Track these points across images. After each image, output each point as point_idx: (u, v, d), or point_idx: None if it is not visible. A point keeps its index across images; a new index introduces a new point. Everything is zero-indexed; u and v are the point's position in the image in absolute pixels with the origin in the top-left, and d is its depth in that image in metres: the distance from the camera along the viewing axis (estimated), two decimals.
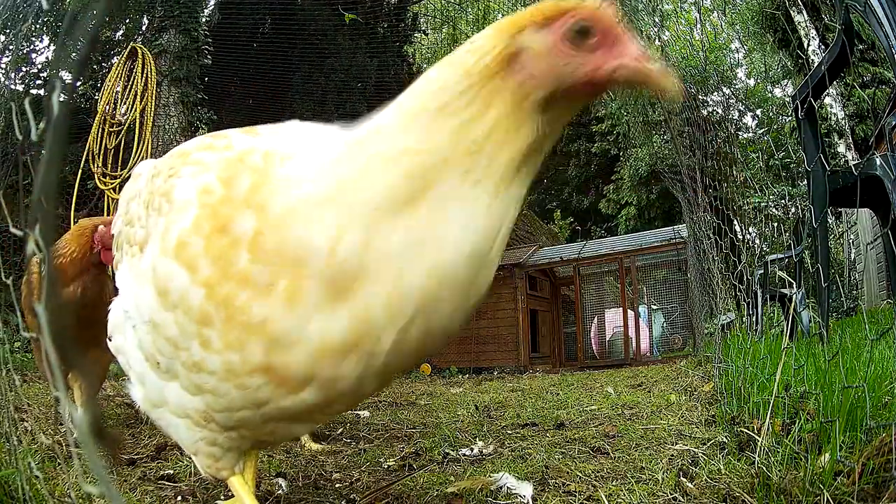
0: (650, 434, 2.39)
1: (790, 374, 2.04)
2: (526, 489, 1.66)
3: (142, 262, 1.11)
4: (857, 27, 3.92)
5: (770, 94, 15.85)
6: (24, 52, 8.47)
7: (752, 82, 16.60)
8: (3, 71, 7.37)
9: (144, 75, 7.12)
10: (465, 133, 0.91)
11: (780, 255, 4.75)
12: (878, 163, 2.67)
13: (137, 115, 6.92)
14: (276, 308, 0.94)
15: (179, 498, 1.69)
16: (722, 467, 1.67)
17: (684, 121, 5.47)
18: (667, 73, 0.93)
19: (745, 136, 14.91)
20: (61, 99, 0.59)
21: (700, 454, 1.89)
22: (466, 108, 0.91)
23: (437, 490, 1.75)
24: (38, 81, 8.94)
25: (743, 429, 1.93)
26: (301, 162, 0.99)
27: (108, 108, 7.07)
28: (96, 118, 6.96)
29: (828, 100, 10.69)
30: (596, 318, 10.72)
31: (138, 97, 6.99)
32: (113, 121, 7.06)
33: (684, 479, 1.63)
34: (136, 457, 2.16)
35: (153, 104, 7.11)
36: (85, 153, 6.81)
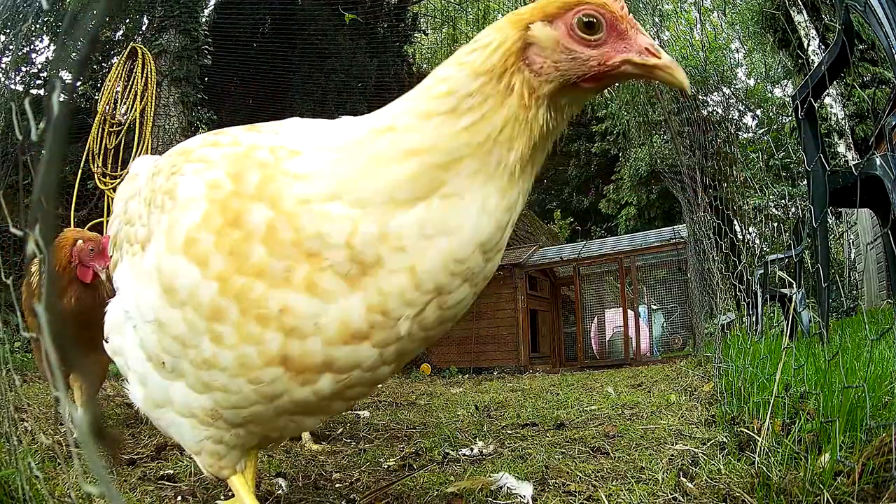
0: (650, 434, 2.39)
1: (790, 374, 2.04)
2: (526, 489, 1.66)
3: (144, 260, 1.11)
4: (857, 27, 3.93)
5: (770, 94, 15.85)
6: (24, 52, 8.47)
7: (752, 82, 16.61)
8: (3, 71, 7.36)
9: (144, 75, 7.12)
10: (475, 132, 0.93)
11: (780, 255, 4.75)
12: (878, 163, 2.67)
13: (137, 115, 6.92)
14: (294, 299, 0.95)
15: (179, 498, 1.69)
16: (722, 467, 1.67)
17: (684, 121, 5.47)
18: (674, 66, 0.94)
19: (745, 136, 14.92)
20: (61, 99, 0.59)
21: (700, 454, 1.89)
22: (477, 109, 0.93)
23: (437, 490, 1.75)
24: (38, 81, 8.94)
25: (743, 429, 1.93)
26: (311, 157, 1.00)
27: (108, 108, 7.08)
28: (96, 118, 6.96)
29: (828, 100, 10.69)
30: (596, 318, 10.71)
31: (138, 97, 6.99)
32: (113, 121, 7.06)
33: (684, 479, 1.63)
34: (136, 457, 2.16)
35: (153, 104, 7.11)
36: (85, 153, 6.81)
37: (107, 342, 1.27)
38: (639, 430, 2.49)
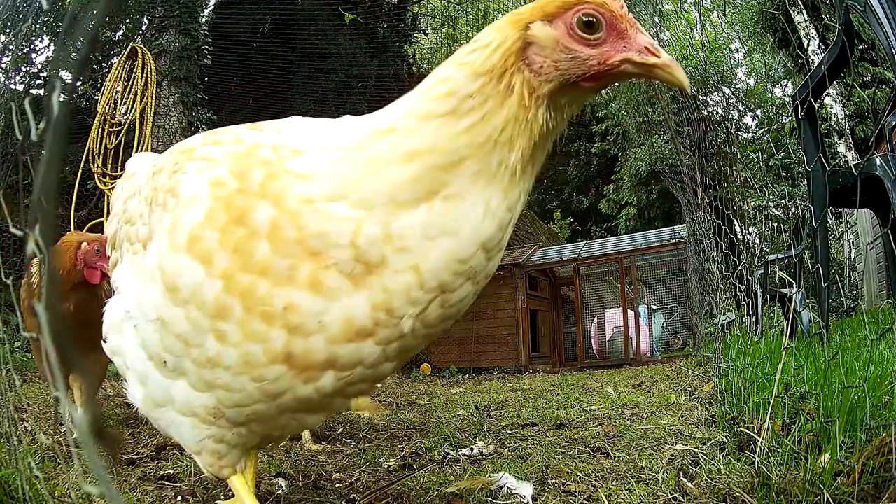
0: (650, 434, 2.39)
1: (790, 374, 2.04)
2: (526, 489, 1.66)
3: (145, 259, 1.10)
4: (857, 27, 3.92)
5: (770, 94, 15.86)
6: (24, 52, 8.47)
7: (752, 82, 16.61)
8: (3, 71, 7.36)
9: (144, 75, 7.11)
10: (475, 133, 0.93)
11: (780, 255, 4.74)
12: (878, 163, 2.67)
13: (137, 115, 6.92)
14: (298, 297, 0.96)
15: (179, 498, 1.69)
16: (722, 467, 1.67)
17: (684, 121, 5.47)
18: (674, 66, 0.94)
19: (745, 136, 14.92)
20: (61, 99, 0.59)
21: (700, 454, 1.89)
22: (477, 110, 0.93)
23: (437, 490, 1.75)
24: (38, 81, 8.94)
25: (743, 429, 1.93)
26: (313, 156, 1.01)
27: (108, 108, 7.07)
28: (96, 118, 6.95)
29: (828, 100, 10.68)
30: (596, 318, 10.71)
31: (138, 97, 6.99)
32: (113, 121, 7.05)
33: (684, 479, 1.63)
34: (136, 457, 2.16)
35: (153, 104, 7.11)
36: (85, 153, 6.81)
37: (105, 342, 1.27)
38: (639, 430, 2.49)
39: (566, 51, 0.94)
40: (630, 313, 9.45)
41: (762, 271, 4.34)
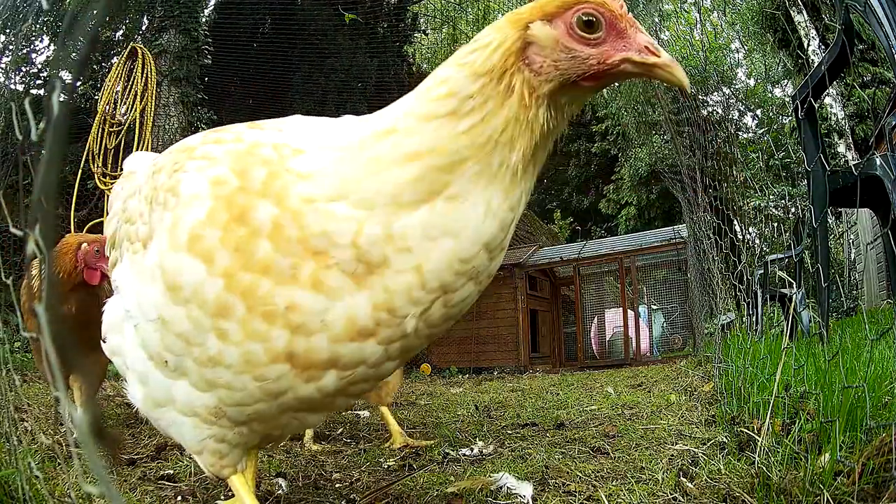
0: (650, 434, 2.39)
1: (790, 374, 2.04)
2: (526, 489, 1.66)
3: (146, 258, 1.10)
4: (857, 27, 3.93)
5: (770, 94, 15.85)
6: (24, 52, 8.47)
7: (752, 82, 16.61)
8: (3, 71, 7.36)
9: (144, 75, 7.11)
10: (476, 134, 0.93)
11: (780, 255, 4.74)
12: (878, 163, 2.67)
13: (137, 115, 6.92)
14: (300, 296, 0.96)
15: (179, 498, 1.69)
16: (722, 467, 1.67)
17: (684, 121, 5.47)
18: (673, 65, 0.94)
19: (745, 136, 14.91)
20: (61, 99, 0.59)
21: (700, 454, 1.89)
22: (477, 111, 0.93)
23: (437, 490, 1.75)
24: (38, 81, 8.94)
25: (743, 429, 1.93)
26: (315, 156, 1.01)
27: (108, 108, 7.07)
28: (96, 118, 6.96)
29: (828, 100, 10.68)
30: (596, 318, 10.71)
31: (138, 97, 6.99)
32: (113, 121, 7.05)
33: (684, 479, 1.63)
34: (136, 457, 2.16)
35: (153, 104, 7.11)
36: (85, 153, 6.81)
37: (104, 342, 1.27)
38: (639, 430, 2.49)
39: (566, 50, 0.94)
40: (630, 313, 9.45)
41: (762, 271, 4.34)
